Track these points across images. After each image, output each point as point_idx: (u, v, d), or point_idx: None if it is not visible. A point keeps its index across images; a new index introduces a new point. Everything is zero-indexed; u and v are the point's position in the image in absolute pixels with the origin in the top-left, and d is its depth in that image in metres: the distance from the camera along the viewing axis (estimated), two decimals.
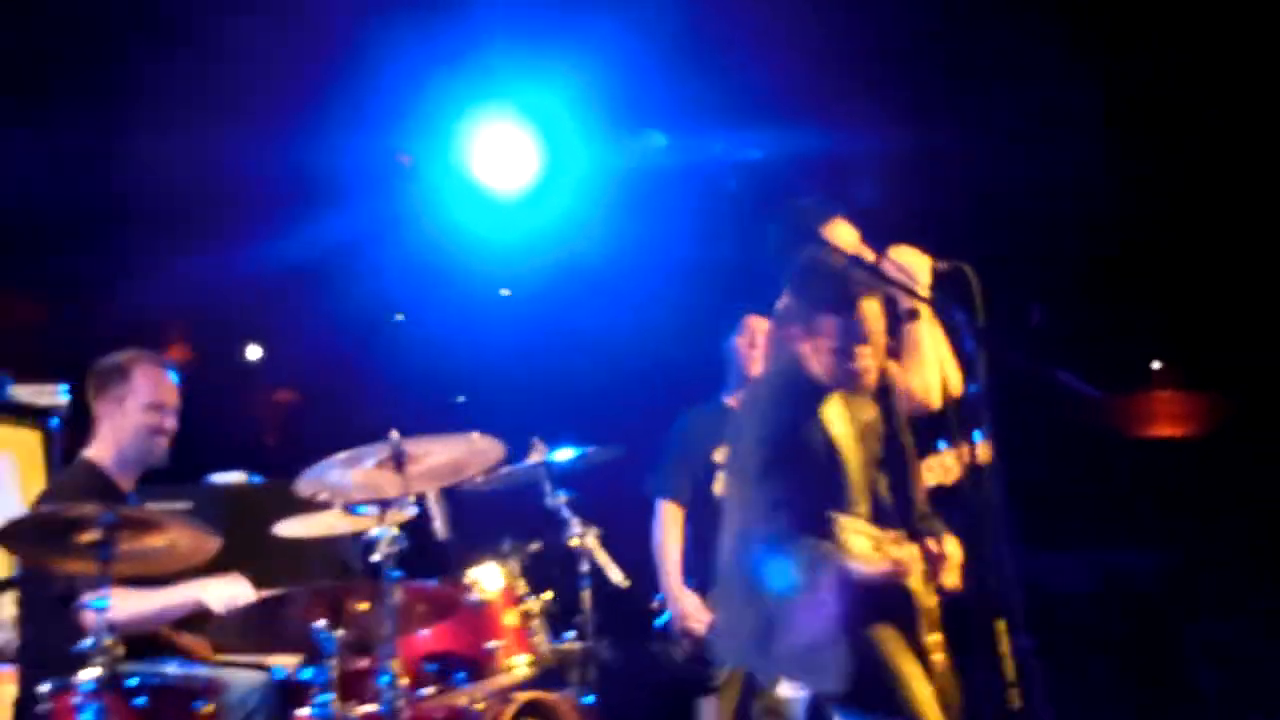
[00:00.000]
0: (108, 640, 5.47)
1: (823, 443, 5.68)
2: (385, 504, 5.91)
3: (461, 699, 6.34)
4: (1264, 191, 10.02)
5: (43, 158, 8.97)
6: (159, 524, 5.75)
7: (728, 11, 9.00)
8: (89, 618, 5.61)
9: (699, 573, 7.66)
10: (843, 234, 6.37)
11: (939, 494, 6.53)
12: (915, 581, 5.70)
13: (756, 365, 7.62)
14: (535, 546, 7.02)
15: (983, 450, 5.40)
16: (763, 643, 5.54)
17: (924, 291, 6.09)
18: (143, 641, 6.24)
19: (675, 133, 9.29)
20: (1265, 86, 9.47)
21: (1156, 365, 12.25)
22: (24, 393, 7.86)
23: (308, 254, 9.88)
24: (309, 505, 6.28)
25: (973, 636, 5.72)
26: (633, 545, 7.91)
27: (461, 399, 10.71)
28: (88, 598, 5.84)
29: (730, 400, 7.96)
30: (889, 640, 5.61)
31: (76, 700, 5.47)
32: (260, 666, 6.55)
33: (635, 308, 10.41)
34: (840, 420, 5.81)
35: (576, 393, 10.14)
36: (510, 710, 6.24)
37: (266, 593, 6.43)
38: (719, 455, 7.48)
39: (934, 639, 5.74)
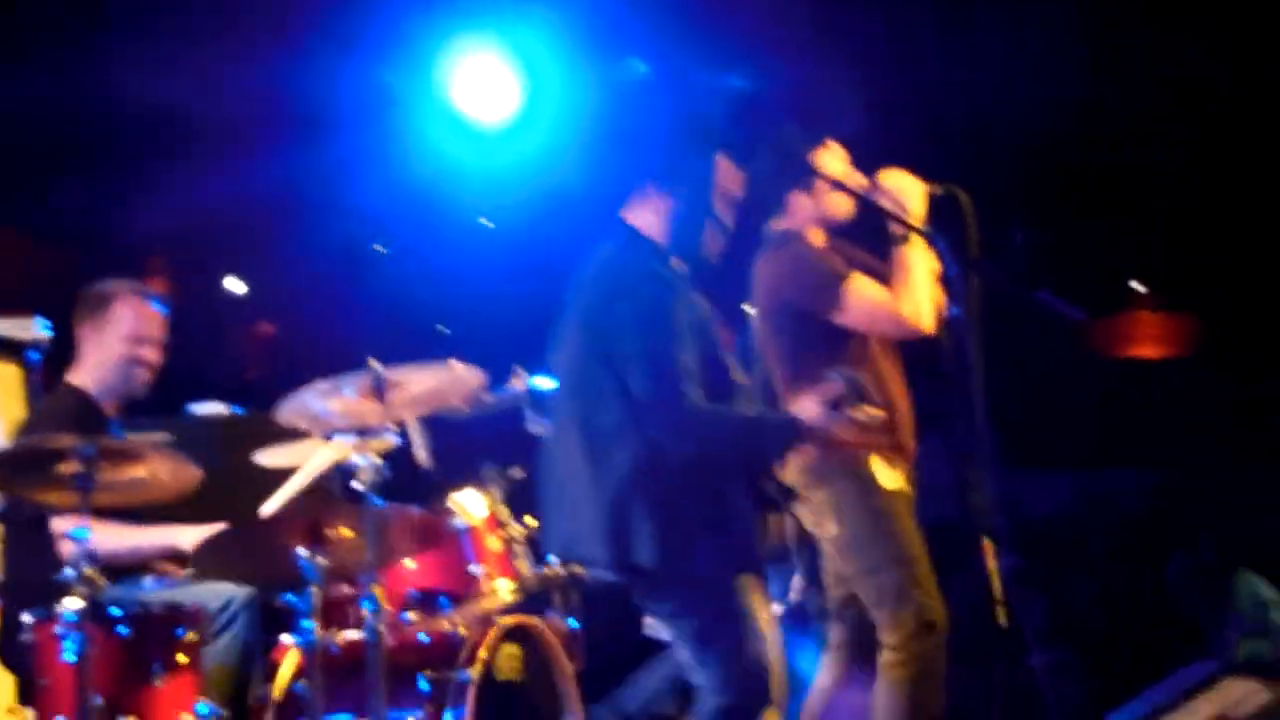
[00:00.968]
0: (88, 570, 5.47)
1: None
2: (366, 432, 5.88)
3: (445, 624, 6.34)
4: (1247, 109, 9.98)
5: (20, 87, 8.91)
6: (140, 455, 5.74)
7: None
8: (68, 547, 5.60)
9: None
10: (831, 159, 6.37)
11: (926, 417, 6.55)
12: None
13: None
14: (518, 473, 7.00)
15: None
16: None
17: (913, 217, 6.11)
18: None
19: (656, 62, 9.24)
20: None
21: (1137, 286, 12.25)
22: (2, 326, 7.82)
23: (289, 184, 9.84)
24: (290, 434, 6.27)
25: (959, 555, 5.74)
26: None
27: (443, 328, 10.68)
28: (63, 525, 5.84)
29: None
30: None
31: (59, 629, 5.50)
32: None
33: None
34: None
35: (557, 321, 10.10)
36: (494, 634, 6.24)
37: (273, 504, 6.50)
38: None
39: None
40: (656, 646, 8.24)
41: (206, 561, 6.08)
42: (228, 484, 6.34)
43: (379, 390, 5.82)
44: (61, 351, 7.58)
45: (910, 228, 6.12)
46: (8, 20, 8.89)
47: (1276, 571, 8.95)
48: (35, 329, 7.92)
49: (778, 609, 6.93)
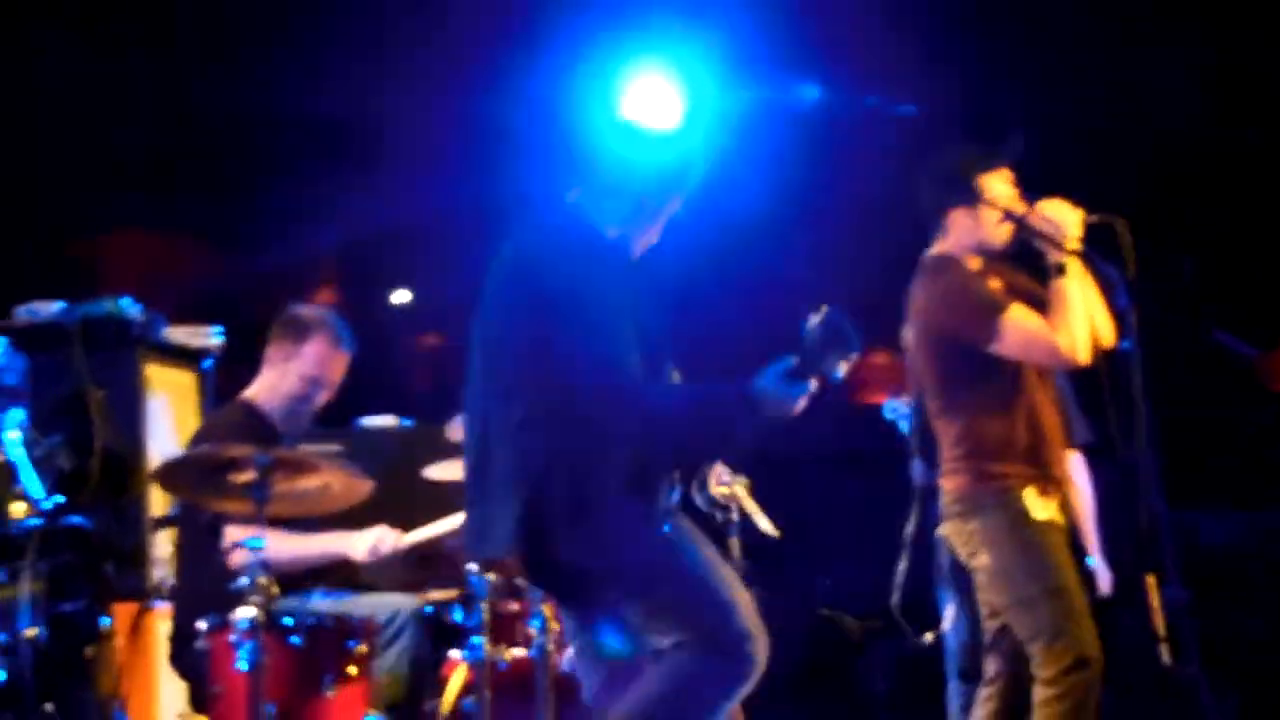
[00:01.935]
0: (262, 579, 5.56)
1: None
2: None
3: None
4: None
5: (202, 100, 9.07)
6: (313, 466, 5.83)
7: None
8: (243, 556, 5.68)
9: None
10: (999, 186, 6.34)
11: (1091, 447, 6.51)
12: None
13: None
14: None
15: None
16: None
17: (1073, 245, 6.07)
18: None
19: (829, 88, 9.27)
20: None
21: None
22: (178, 334, 7.93)
23: (456, 197, 9.93)
24: (459, 449, 6.33)
25: (1123, 590, 5.70)
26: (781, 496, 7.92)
27: None
28: (237, 534, 5.93)
29: None
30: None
31: (233, 638, 5.58)
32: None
33: (778, 257, 10.41)
34: None
35: (720, 339, 10.15)
36: None
37: (416, 536, 6.52)
38: None
39: None
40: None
41: (379, 574, 6.15)
42: (398, 496, 6.42)
43: None
44: (232, 361, 7.73)
45: (1075, 254, 6.08)
46: (203, 39, 9.03)
47: None
48: (210, 338, 8.05)
49: (929, 638, 6.93)
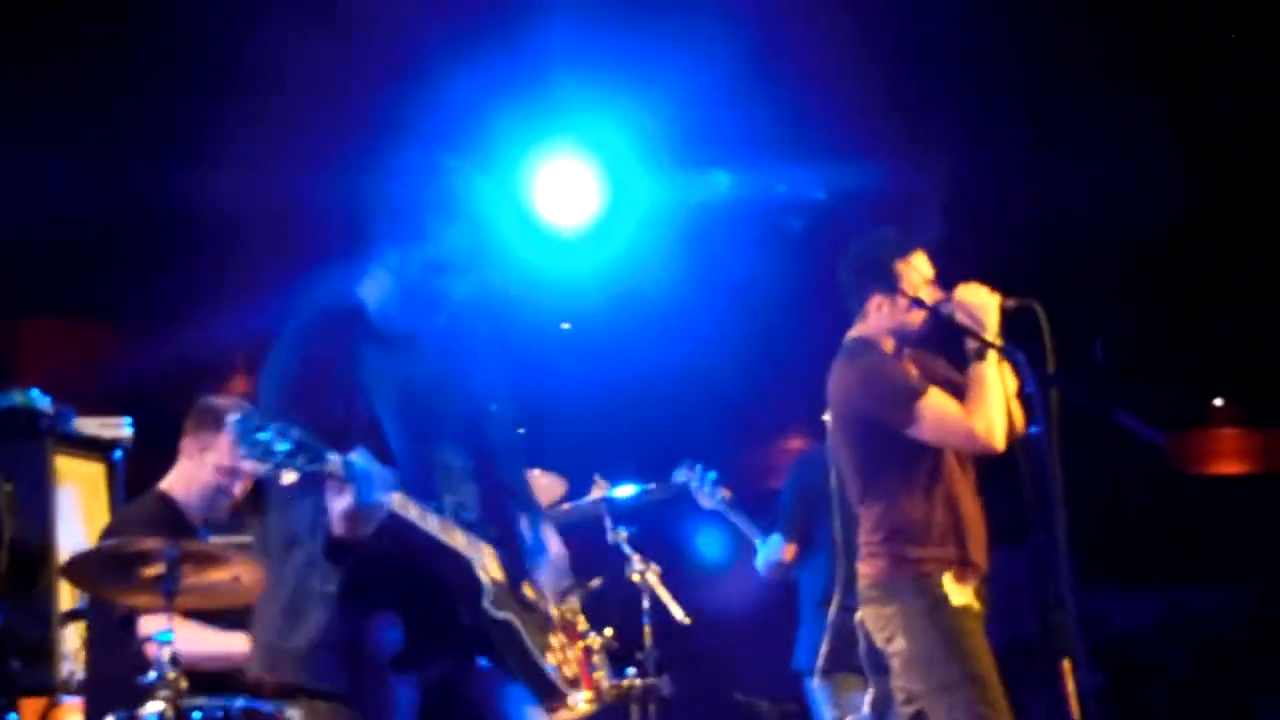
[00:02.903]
0: (171, 673, 5.51)
1: None
2: None
3: None
4: None
5: (106, 186, 9.02)
6: (223, 558, 5.80)
7: (790, 47, 9.00)
8: (152, 650, 5.63)
9: None
10: (918, 270, 6.37)
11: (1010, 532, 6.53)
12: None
13: None
14: (595, 583, 7.01)
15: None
16: None
17: (989, 333, 6.09)
18: (210, 677, 6.25)
19: (737, 168, 9.29)
20: None
21: (1218, 402, 12.19)
22: (88, 425, 7.89)
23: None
24: None
25: (1037, 675, 5.70)
26: (693, 582, 7.93)
27: (521, 432, 10.70)
28: (151, 627, 5.87)
29: None
30: None
31: None
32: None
33: (696, 343, 10.42)
34: None
35: (637, 428, 10.16)
36: None
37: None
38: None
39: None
40: None
41: None
42: None
43: None
44: (142, 451, 7.66)
45: (986, 343, 6.11)
46: (107, 120, 8.99)
47: None
48: (120, 429, 7.99)
49: None
